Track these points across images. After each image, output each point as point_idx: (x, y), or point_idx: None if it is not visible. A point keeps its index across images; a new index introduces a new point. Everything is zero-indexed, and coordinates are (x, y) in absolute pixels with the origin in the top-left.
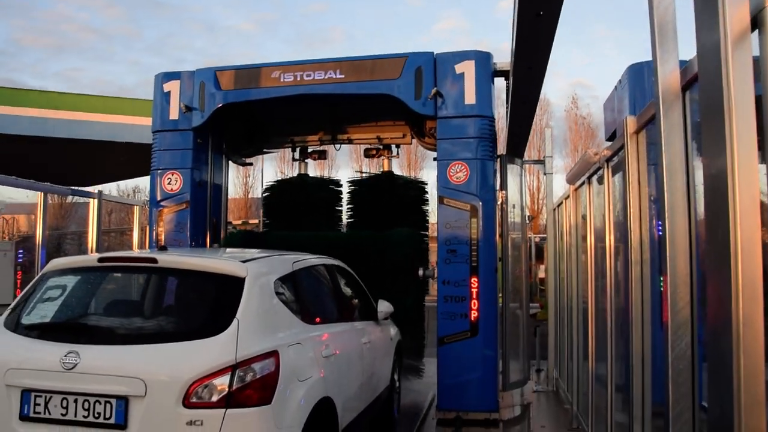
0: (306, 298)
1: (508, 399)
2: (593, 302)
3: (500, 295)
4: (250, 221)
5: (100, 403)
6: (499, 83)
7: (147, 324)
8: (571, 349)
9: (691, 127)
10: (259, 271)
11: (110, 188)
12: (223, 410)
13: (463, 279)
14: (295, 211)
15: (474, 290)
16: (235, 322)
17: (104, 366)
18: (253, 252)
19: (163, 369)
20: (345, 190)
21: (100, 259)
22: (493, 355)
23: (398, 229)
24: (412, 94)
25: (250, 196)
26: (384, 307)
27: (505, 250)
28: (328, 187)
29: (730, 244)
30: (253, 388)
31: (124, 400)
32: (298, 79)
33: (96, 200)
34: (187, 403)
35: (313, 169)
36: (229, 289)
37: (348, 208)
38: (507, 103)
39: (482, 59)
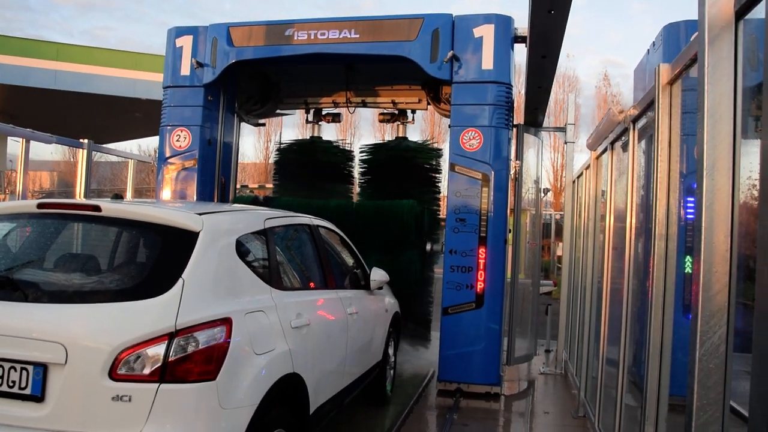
0: (278, 260)
1: (512, 374)
2: (609, 281)
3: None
4: (267, 185)
5: (15, 370)
6: (521, 56)
7: (78, 281)
8: (582, 330)
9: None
10: (217, 226)
11: (130, 146)
12: (156, 385)
13: (470, 249)
14: (306, 174)
15: (481, 261)
16: (179, 282)
17: (19, 327)
18: (219, 205)
19: (87, 333)
20: (357, 154)
21: (39, 205)
22: (498, 328)
23: (402, 200)
24: (428, 57)
25: (270, 161)
26: (378, 275)
27: (516, 221)
28: (339, 151)
29: None
30: (195, 360)
31: (42, 368)
32: (313, 37)
33: (85, 151)
34: (114, 375)
35: (334, 134)
36: (179, 244)
37: (360, 173)
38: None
39: (502, 23)
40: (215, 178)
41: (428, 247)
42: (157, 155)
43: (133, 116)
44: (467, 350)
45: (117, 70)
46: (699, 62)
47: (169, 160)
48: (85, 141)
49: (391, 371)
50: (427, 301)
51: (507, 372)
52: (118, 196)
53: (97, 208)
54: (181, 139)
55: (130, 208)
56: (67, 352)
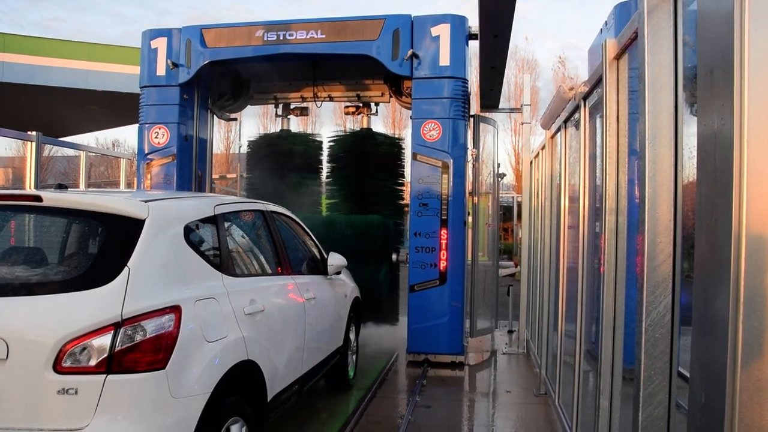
0: (230, 246)
1: (474, 345)
2: (565, 259)
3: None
4: (228, 176)
5: None
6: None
7: (20, 273)
8: (541, 309)
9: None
10: (164, 213)
11: (88, 139)
12: (103, 376)
13: (433, 231)
14: (276, 166)
15: (443, 241)
16: (125, 271)
17: None
18: (167, 193)
19: (28, 326)
20: (325, 145)
21: None
22: (461, 302)
23: (371, 216)
24: (389, 55)
25: (231, 151)
26: (335, 260)
27: (474, 205)
28: (309, 142)
29: (733, 174)
30: (143, 350)
31: None
32: (281, 38)
33: (33, 143)
34: (59, 368)
35: (297, 125)
36: (124, 232)
37: (328, 163)
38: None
39: (458, 23)
40: (192, 171)
41: (394, 257)
42: (136, 152)
43: (89, 108)
44: (433, 323)
45: (69, 61)
46: (639, 33)
47: (148, 156)
48: (33, 133)
49: (354, 356)
50: (395, 305)
51: (471, 343)
52: (63, 186)
53: (38, 198)
54: (159, 136)
55: (73, 197)
56: (8, 346)
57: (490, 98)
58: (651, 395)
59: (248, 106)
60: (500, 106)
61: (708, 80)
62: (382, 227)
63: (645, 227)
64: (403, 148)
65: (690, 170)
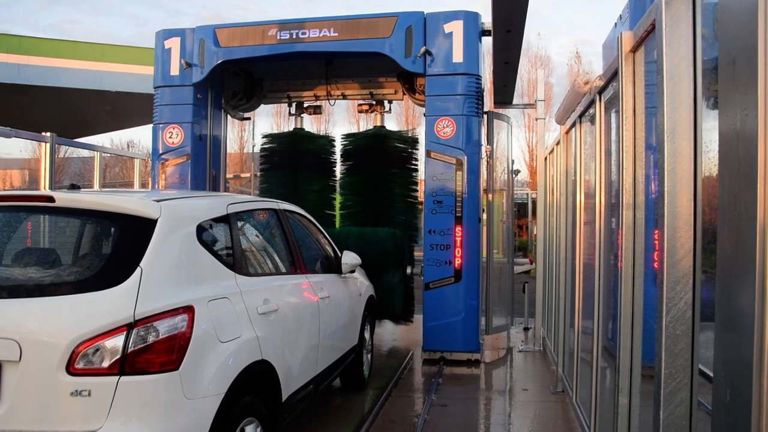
0: (243, 245)
1: (490, 342)
2: (581, 256)
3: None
4: (242, 175)
5: None
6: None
7: (33, 274)
8: (558, 306)
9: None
10: (176, 212)
11: (102, 140)
12: (116, 377)
13: (448, 228)
14: (290, 165)
15: (458, 239)
16: (137, 271)
17: None
18: (179, 192)
19: (42, 328)
20: (339, 143)
21: None
22: (476, 299)
23: (384, 228)
24: (402, 52)
25: (245, 151)
26: (349, 258)
27: (489, 202)
28: (322, 141)
29: (758, 166)
30: (156, 351)
31: None
32: (294, 36)
33: (48, 144)
34: (72, 370)
35: (310, 123)
36: (136, 232)
37: (342, 161)
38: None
39: (471, 19)
40: (207, 171)
41: (409, 270)
42: (151, 152)
43: (102, 109)
44: (449, 321)
45: (82, 63)
46: (657, 24)
47: (163, 156)
48: (48, 134)
49: (369, 355)
50: (410, 303)
51: (486, 341)
52: (75, 186)
53: (51, 199)
54: (174, 135)
55: (85, 197)
56: (21, 348)
57: (504, 94)
58: (672, 393)
59: (261, 105)
60: (514, 102)
61: (730, 70)
62: (396, 239)
63: (665, 222)
64: (417, 143)
65: (708, 164)
